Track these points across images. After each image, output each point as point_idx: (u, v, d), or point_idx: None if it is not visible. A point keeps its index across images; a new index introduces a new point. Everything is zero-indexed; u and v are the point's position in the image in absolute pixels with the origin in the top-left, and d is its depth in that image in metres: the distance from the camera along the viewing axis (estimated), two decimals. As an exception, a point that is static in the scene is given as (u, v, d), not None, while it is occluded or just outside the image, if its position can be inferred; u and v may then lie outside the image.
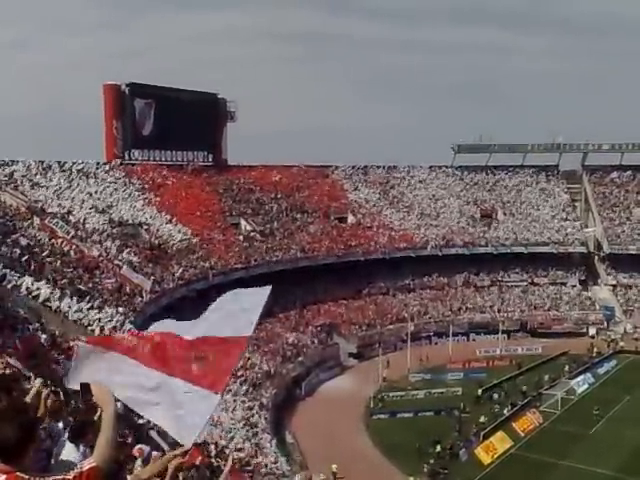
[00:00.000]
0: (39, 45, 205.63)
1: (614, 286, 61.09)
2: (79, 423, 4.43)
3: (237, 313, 4.02)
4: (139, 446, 8.52)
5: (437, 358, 46.92)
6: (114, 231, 40.57)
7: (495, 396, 39.80)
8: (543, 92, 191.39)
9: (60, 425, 4.86)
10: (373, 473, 29.16)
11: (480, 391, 40.39)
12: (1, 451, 2.62)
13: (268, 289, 4.22)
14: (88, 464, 2.70)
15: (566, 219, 66.50)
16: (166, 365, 3.95)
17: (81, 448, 4.19)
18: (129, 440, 7.65)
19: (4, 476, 2.60)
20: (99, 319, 26.96)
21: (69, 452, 4.17)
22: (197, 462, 16.59)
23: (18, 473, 2.61)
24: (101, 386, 3.18)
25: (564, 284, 61.75)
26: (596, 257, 63.97)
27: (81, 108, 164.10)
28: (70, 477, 2.64)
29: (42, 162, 45.44)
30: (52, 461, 4.13)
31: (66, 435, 4.44)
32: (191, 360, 3.95)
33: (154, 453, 8.23)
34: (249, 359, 39.66)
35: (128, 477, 4.29)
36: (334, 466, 29.40)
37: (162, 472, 3.73)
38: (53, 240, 34.39)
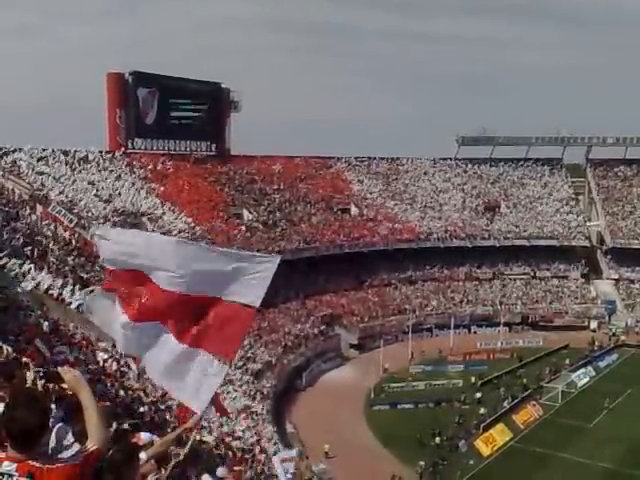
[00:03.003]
0: (43, 33, 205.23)
1: (616, 280, 61.00)
2: (69, 405, 4.41)
3: (243, 279, 3.85)
4: (138, 434, 8.52)
5: (438, 350, 47.04)
6: (117, 220, 40.57)
7: (478, 395, 38.93)
8: (547, 85, 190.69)
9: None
10: (373, 463, 29.25)
11: (474, 379, 40.67)
12: (18, 438, 2.64)
13: (277, 258, 4.00)
14: (91, 447, 2.82)
15: (569, 212, 66.32)
16: (188, 332, 3.98)
17: (71, 430, 4.17)
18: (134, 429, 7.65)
19: (15, 464, 2.62)
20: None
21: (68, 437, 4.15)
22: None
23: (29, 461, 2.65)
24: (71, 372, 3.17)
25: (566, 277, 61.69)
26: (599, 251, 63.87)
27: (84, 96, 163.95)
28: (78, 462, 2.76)
29: (45, 150, 45.41)
30: (52, 445, 4.11)
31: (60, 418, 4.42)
32: (191, 318, 3.93)
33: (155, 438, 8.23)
34: (250, 349, 39.78)
35: (143, 454, 4.30)
36: (326, 446, 30.08)
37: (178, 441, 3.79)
38: (56, 228, 34.40)
